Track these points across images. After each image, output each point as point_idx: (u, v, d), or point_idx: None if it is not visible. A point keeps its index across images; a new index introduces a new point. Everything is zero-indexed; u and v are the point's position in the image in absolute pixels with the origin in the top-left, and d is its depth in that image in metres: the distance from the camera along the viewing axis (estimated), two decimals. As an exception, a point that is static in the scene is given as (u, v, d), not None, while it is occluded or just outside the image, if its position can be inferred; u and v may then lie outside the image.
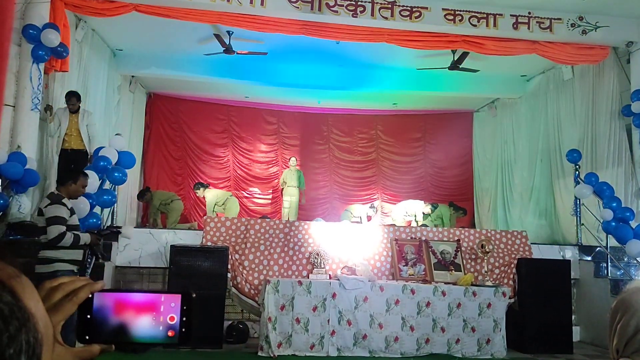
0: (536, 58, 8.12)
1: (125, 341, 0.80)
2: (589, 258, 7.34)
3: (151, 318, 0.80)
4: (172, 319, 0.80)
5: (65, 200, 4.17)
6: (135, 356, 0.82)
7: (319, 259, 6.36)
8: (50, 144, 7.02)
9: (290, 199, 11.09)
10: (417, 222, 10.05)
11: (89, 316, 0.79)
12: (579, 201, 7.70)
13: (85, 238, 4.28)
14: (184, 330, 0.80)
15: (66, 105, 6.94)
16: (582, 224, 7.70)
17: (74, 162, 6.91)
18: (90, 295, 0.79)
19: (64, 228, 4.08)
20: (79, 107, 6.99)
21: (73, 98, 6.89)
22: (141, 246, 6.71)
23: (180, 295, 0.81)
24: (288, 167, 11.43)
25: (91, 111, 7.40)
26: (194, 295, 0.82)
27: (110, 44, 9.20)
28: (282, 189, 11.35)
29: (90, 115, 7.15)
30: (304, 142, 12.28)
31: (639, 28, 7.74)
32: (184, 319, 0.81)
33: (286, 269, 6.55)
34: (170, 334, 0.80)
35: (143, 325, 0.80)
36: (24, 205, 6.29)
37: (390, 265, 6.79)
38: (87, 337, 0.79)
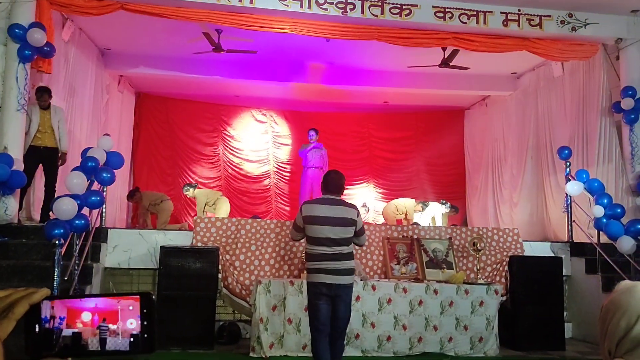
0: (526, 55, 8.12)
1: (81, 353, 0.72)
2: (580, 255, 7.34)
3: (107, 325, 0.73)
4: (131, 324, 0.73)
5: None
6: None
7: (310, 259, 6.32)
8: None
9: (311, 185, 9.18)
10: (407, 220, 10.03)
11: (37, 329, 0.72)
12: (570, 198, 7.71)
13: None
14: (145, 335, 0.73)
15: (36, 102, 6.71)
16: (573, 221, 7.71)
17: (46, 160, 6.76)
18: (40, 304, 0.72)
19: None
20: (50, 103, 6.77)
21: (45, 94, 6.65)
22: (131, 247, 6.63)
23: (138, 298, 0.74)
24: (308, 142, 9.70)
25: (66, 109, 7.28)
26: (154, 296, 0.74)
27: (98, 43, 9.10)
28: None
29: (62, 111, 6.99)
30: (295, 141, 12.21)
31: (628, 25, 7.75)
32: (145, 323, 0.73)
33: (278, 269, 6.51)
34: (130, 340, 0.73)
35: (99, 333, 0.72)
36: (10, 208, 6.21)
37: (382, 264, 6.77)
38: (37, 353, 0.72)
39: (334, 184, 4.43)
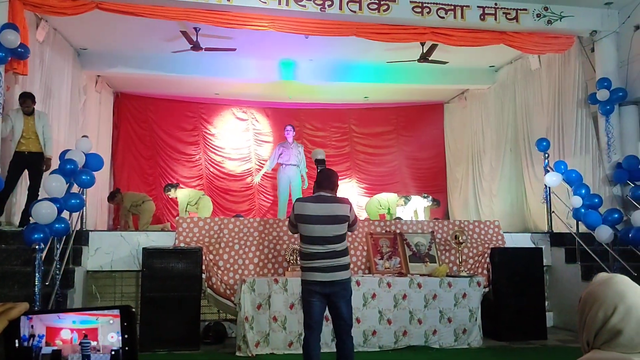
0: (504, 49, 8.20)
1: None
2: (560, 245, 7.46)
3: (88, 340, 0.72)
4: (112, 337, 0.73)
5: None
6: None
7: (294, 256, 6.33)
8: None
9: (289, 183, 8.97)
10: (390, 215, 10.08)
11: (17, 344, 0.71)
12: (549, 189, 7.82)
13: None
14: (127, 349, 0.73)
15: (19, 107, 6.67)
16: (553, 212, 7.82)
17: (30, 165, 6.70)
18: (19, 319, 0.71)
19: None
20: (34, 109, 6.74)
21: (28, 100, 6.62)
22: (113, 249, 6.57)
23: (118, 312, 0.74)
24: (285, 139, 9.29)
25: (45, 112, 7.18)
26: (134, 309, 0.75)
27: (74, 43, 8.96)
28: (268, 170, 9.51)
29: (46, 116, 6.94)
30: (276, 138, 12.17)
31: (602, 17, 7.88)
32: (126, 336, 0.73)
33: (262, 268, 6.51)
34: (111, 354, 0.73)
35: (80, 349, 0.72)
36: (-13, 213, 6.10)
37: (365, 260, 6.81)
38: None
39: (326, 181, 4.42)
